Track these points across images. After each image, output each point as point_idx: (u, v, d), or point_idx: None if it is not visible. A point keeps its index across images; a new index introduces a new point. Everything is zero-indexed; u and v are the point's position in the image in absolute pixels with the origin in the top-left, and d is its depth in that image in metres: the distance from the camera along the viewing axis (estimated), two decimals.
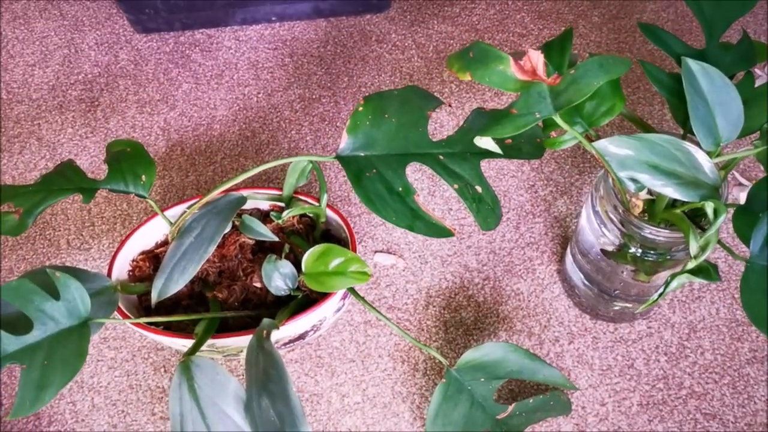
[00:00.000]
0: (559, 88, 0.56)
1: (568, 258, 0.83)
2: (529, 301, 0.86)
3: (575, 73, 0.56)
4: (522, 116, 0.56)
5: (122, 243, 0.74)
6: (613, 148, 0.58)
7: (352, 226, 0.84)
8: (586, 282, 0.80)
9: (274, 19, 1.13)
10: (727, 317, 0.84)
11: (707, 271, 0.58)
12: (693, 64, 0.58)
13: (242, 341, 0.70)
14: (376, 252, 0.90)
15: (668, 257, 0.68)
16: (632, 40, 1.07)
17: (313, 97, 1.05)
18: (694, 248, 0.58)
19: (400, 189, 0.64)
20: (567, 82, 0.56)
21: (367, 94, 1.04)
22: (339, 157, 0.66)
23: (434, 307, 0.86)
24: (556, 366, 0.81)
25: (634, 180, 0.59)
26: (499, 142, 0.62)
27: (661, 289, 0.59)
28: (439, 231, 0.64)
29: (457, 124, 1.00)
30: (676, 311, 0.85)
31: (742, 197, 0.86)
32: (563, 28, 1.09)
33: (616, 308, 0.81)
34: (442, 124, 1.01)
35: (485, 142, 0.60)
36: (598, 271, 0.76)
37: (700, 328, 0.84)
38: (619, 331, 0.84)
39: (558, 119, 0.57)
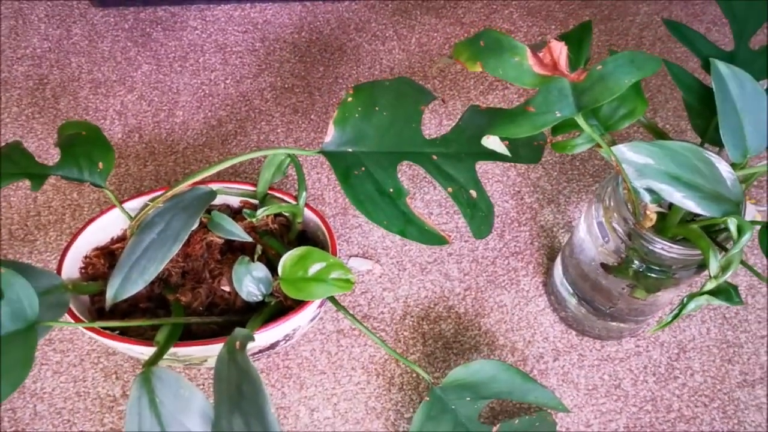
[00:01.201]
0: (583, 86, 0.51)
1: (557, 271, 0.78)
2: (512, 314, 0.81)
3: (603, 69, 0.50)
4: (540, 115, 0.51)
5: (74, 237, 0.66)
6: (631, 154, 0.53)
7: None
8: (577, 297, 0.75)
9: None
10: (718, 338, 0.80)
11: (728, 293, 0.54)
12: (723, 68, 0.53)
13: (209, 350, 0.63)
14: (351, 256, 0.84)
15: (671, 275, 0.64)
16: (624, 43, 1.03)
17: (286, 86, 0.98)
18: (714, 268, 0.54)
19: (391, 190, 0.59)
20: (593, 78, 0.50)
21: (344, 86, 0.97)
22: (324, 152, 0.60)
23: (412, 317, 0.80)
24: (541, 384, 0.76)
25: (650, 191, 0.54)
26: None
27: (676, 311, 0.55)
28: (433, 238, 0.59)
29: (440, 123, 0.94)
30: (665, 330, 0.80)
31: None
32: (553, 27, 1.04)
33: (608, 325, 0.76)
34: (422, 122, 0.95)
35: (493, 142, 0.54)
36: (593, 286, 0.71)
37: (690, 348, 0.79)
38: (606, 348, 0.79)
39: (580, 120, 0.51)
